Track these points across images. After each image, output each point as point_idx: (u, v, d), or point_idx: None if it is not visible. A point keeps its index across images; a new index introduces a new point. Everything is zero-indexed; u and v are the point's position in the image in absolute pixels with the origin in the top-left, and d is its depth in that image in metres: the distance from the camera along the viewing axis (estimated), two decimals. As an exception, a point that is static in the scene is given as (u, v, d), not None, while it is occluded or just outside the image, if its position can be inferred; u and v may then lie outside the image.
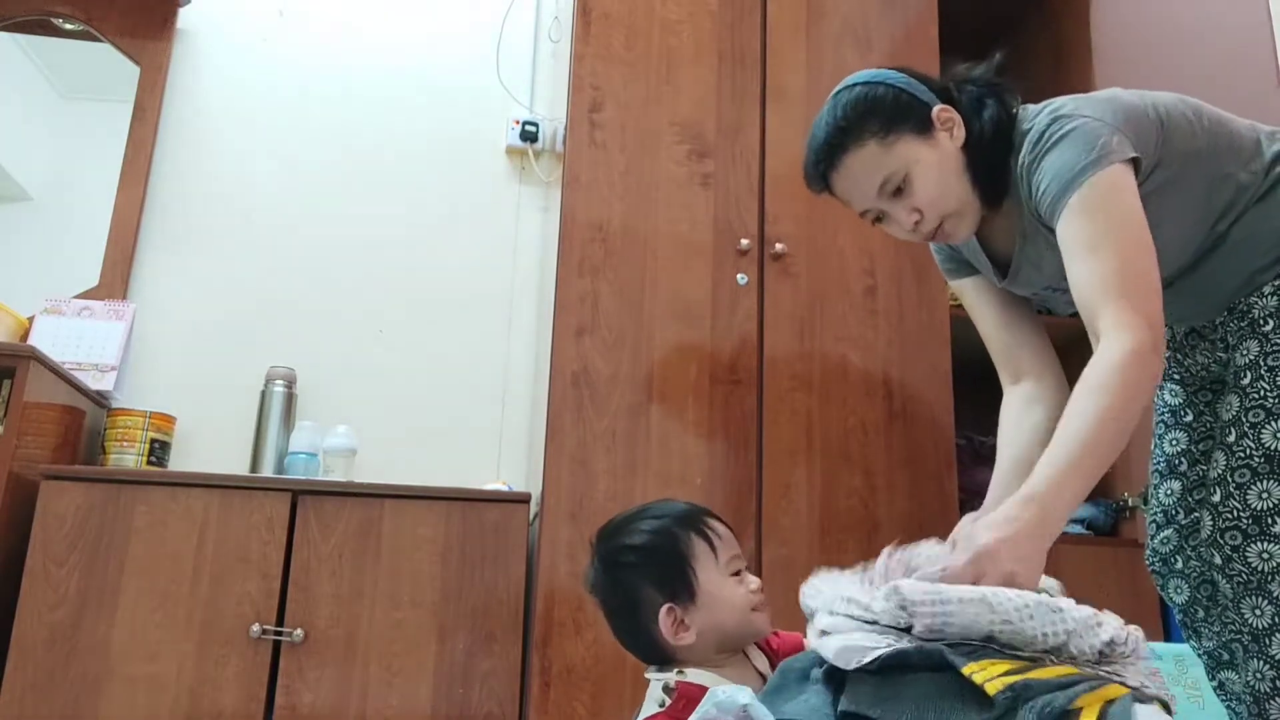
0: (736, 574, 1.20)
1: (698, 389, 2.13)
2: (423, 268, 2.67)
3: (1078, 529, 2.39)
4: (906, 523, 2.10)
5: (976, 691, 0.85)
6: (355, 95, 2.77)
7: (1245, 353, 1.32)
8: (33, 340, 2.30)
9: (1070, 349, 1.52)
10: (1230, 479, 1.29)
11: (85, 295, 2.46)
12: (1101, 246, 1.20)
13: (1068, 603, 0.94)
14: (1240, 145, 1.34)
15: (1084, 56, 2.62)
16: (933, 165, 1.32)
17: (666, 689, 1.15)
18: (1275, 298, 1.31)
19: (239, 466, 2.38)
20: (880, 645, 0.91)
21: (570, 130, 2.24)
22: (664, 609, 1.16)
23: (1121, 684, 0.86)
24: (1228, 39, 2.11)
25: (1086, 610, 0.93)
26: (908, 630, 0.93)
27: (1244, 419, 1.29)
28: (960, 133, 1.34)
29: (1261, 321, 1.31)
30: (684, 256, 2.20)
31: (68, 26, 2.69)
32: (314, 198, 2.68)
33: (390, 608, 1.98)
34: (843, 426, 2.18)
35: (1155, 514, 1.53)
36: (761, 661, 1.23)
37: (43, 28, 2.68)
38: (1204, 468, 1.47)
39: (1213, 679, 1.49)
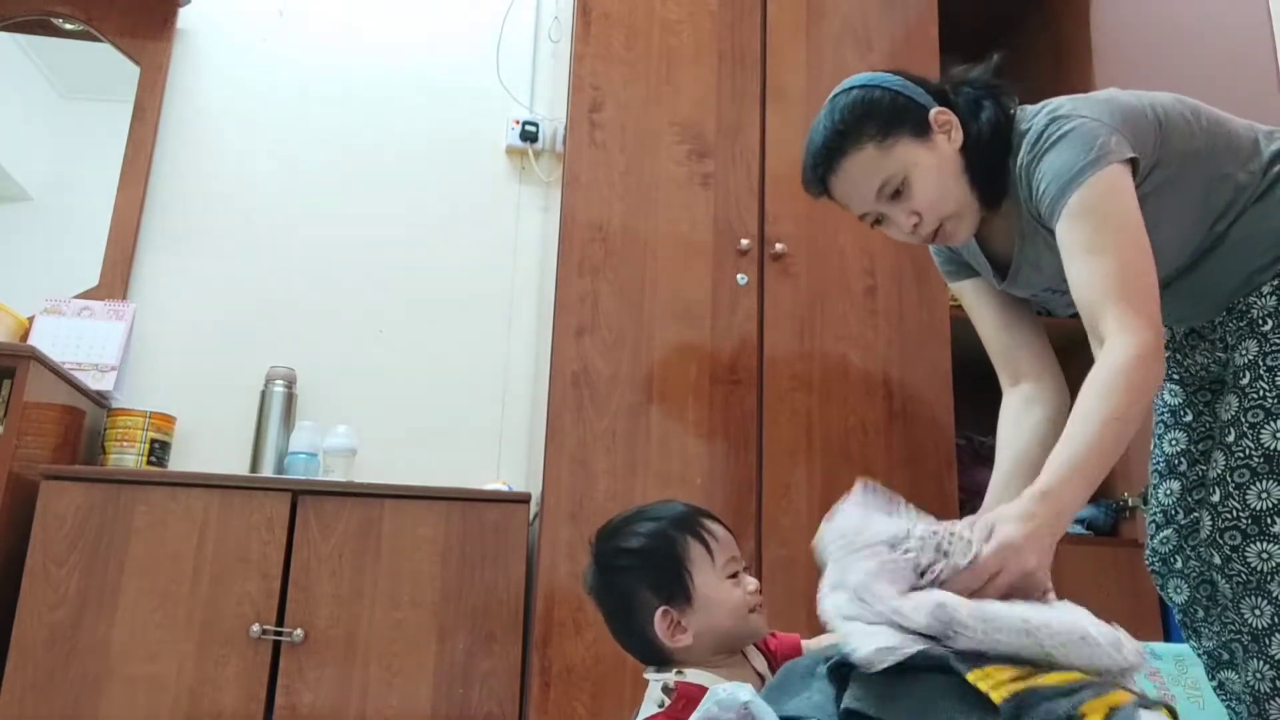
0: (734, 576, 1.20)
1: (698, 389, 2.13)
2: (423, 268, 2.67)
3: (1078, 529, 2.39)
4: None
5: (981, 696, 0.85)
6: (355, 95, 2.77)
7: (1244, 353, 1.32)
8: (33, 340, 2.30)
9: (1069, 350, 1.52)
10: (1229, 479, 1.29)
11: (85, 295, 2.46)
12: (1100, 248, 1.20)
13: (1095, 627, 0.93)
14: (1238, 145, 1.34)
15: (1084, 56, 2.61)
16: (931, 168, 1.32)
17: (665, 689, 1.15)
18: (1274, 297, 1.31)
19: (239, 466, 2.38)
20: (908, 645, 0.91)
21: (570, 130, 2.24)
22: (659, 612, 1.16)
23: (1125, 690, 0.86)
24: (1228, 39, 2.11)
25: (1110, 633, 0.93)
26: (936, 639, 0.92)
27: (1243, 419, 1.29)
28: (958, 135, 1.34)
29: (1260, 321, 1.32)
30: (684, 256, 2.20)
31: (68, 26, 2.69)
32: (314, 198, 2.68)
33: (390, 608, 1.98)
34: (843, 426, 2.18)
35: (1155, 514, 1.53)
36: (760, 662, 1.23)
37: (43, 28, 2.68)
38: (1203, 468, 1.47)
39: (1212, 679, 1.49)
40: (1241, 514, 1.27)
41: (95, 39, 2.67)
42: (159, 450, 2.30)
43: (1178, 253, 1.35)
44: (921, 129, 1.33)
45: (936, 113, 1.34)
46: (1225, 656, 1.46)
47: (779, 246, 2.23)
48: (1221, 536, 1.28)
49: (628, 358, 2.12)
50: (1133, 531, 2.38)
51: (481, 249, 2.71)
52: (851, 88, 1.36)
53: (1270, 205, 1.33)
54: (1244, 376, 1.31)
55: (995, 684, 0.84)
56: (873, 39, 2.42)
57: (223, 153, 2.67)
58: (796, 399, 2.17)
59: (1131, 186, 1.23)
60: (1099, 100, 1.30)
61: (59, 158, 2.68)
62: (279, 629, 1.93)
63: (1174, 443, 1.52)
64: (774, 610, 1.26)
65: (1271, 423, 1.26)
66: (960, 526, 1.05)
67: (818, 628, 1.03)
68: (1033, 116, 1.33)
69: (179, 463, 2.37)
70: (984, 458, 2.24)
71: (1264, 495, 1.25)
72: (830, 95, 1.38)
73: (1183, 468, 1.50)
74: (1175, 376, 1.52)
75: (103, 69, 2.68)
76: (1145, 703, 0.82)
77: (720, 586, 1.18)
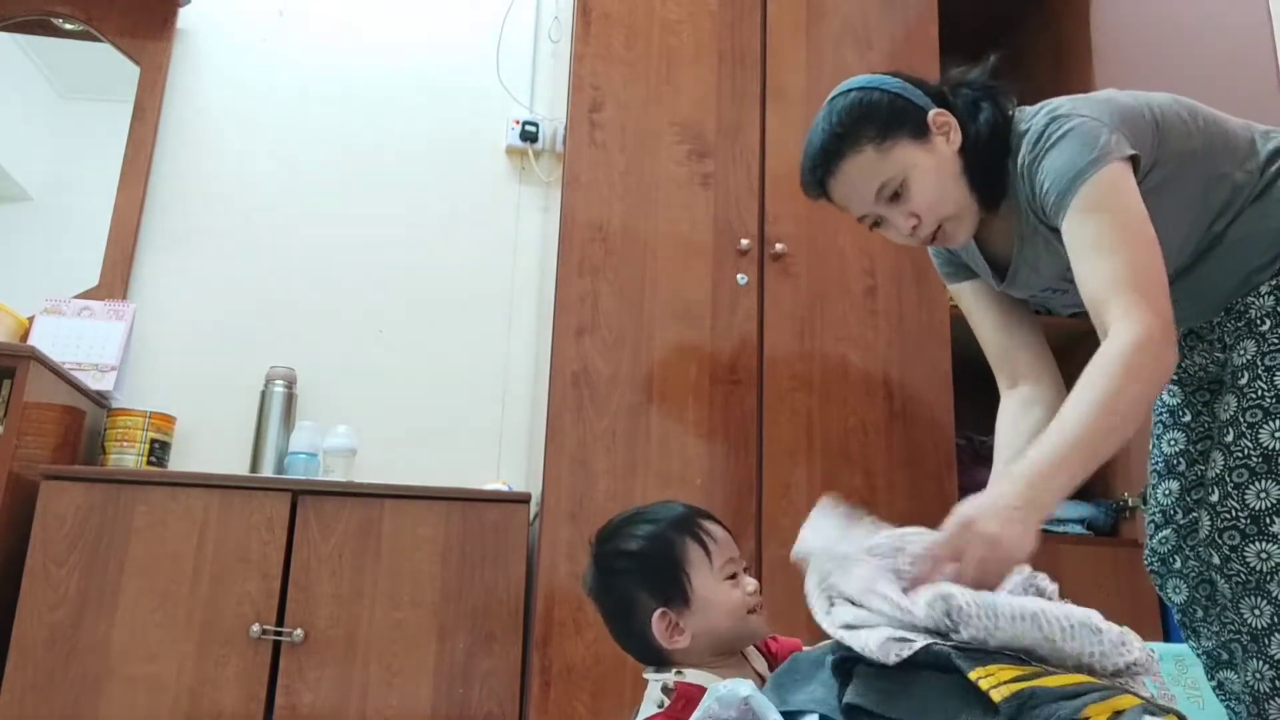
0: (732, 577, 1.19)
1: (698, 389, 2.13)
2: (423, 268, 2.67)
3: (1078, 529, 2.39)
4: (906, 523, 2.08)
5: (982, 697, 0.84)
6: (355, 95, 2.77)
7: (1242, 353, 1.32)
8: (33, 340, 2.30)
9: (1068, 350, 1.52)
10: (1228, 479, 1.29)
11: (85, 295, 2.46)
12: (1107, 245, 1.20)
13: (1104, 622, 0.94)
14: (1235, 145, 1.34)
15: (1084, 57, 2.61)
16: (930, 170, 1.33)
17: (665, 689, 1.15)
18: (1272, 298, 1.31)
19: (239, 466, 2.39)
20: (916, 640, 0.91)
21: (570, 130, 2.24)
22: (657, 613, 1.16)
23: (1132, 694, 0.86)
24: (1228, 39, 2.11)
25: (1116, 630, 0.94)
26: (943, 635, 0.93)
27: (1241, 419, 1.29)
28: (956, 136, 1.35)
29: (1258, 321, 1.32)
30: (684, 256, 2.20)
31: (68, 26, 2.69)
32: (314, 198, 2.68)
33: (390, 608, 1.98)
34: (843, 426, 2.18)
35: (1154, 514, 1.53)
36: (760, 663, 1.23)
37: (43, 28, 2.68)
38: (1202, 468, 1.47)
39: (1211, 679, 1.49)
40: (1240, 514, 1.27)
41: (95, 39, 2.67)
42: (159, 450, 2.30)
43: (1176, 253, 1.35)
44: (920, 131, 1.33)
45: (935, 114, 1.34)
46: (1224, 656, 1.46)
47: (779, 246, 2.23)
48: (1220, 536, 1.28)
49: (628, 358, 2.12)
50: (1133, 531, 2.38)
51: (481, 249, 2.71)
52: (849, 90, 1.36)
53: (1268, 204, 1.33)
54: (1242, 376, 1.31)
55: (997, 683, 0.84)
56: (873, 39, 2.42)
57: (223, 153, 2.68)
58: (796, 399, 2.17)
59: (1134, 183, 1.23)
60: (1098, 100, 1.30)
61: (59, 158, 2.68)
62: (279, 629, 1.93)
63: (1173, 443, 1.52)
64: (774, 610, 1.26)
65: (1270, 422, 1.27)
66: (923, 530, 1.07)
67: (817, 629, 1.03)
68: (1032, 117, 1.33)
69: (179, 463, 2.37)
70: (984, 458, 2.24)
71: (1263, 495, 1.26)
72: (828, 98, 1.38)
73: (1181, 468, 1.50)
74: (1174, 377, 1.52)
75: (103, 69, 2.68)
76: (1152, 708, 0.81)
77: (718, 588, 1.18)
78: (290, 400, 2.44)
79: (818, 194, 1.39)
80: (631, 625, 1.19)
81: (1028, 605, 0.93)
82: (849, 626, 0.97)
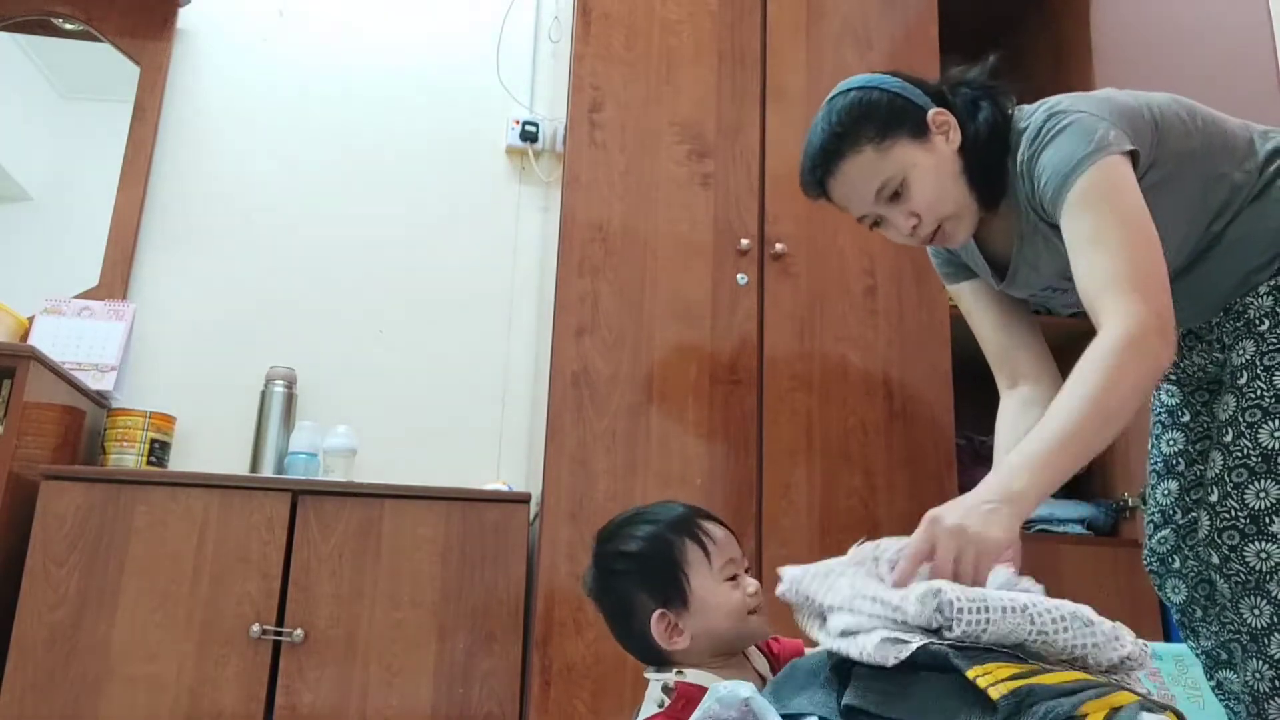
0: (733, 578, 1.19)
1: (698, 389, 2.13)
2: (423, 268, 2.67)
3: (1078, 529, 2.39)
4: (906, 523, 2.07)
5: (981, 695, 0.85)
6: (355, 95, 2.77)
7: (1241, 353, 1.32)
8: (33, 340, 2.30)
9: (1068, 350, 1.52)
10: (1228, 479, 1.29)
11: (85, 295, 2.46)
12: (1104, 239, 1.20)
13: (1096, 616, 0.94)
14: (1234, 145, 1.34)
15: (1084, 56, 2.62)
16: (929, 169, 1.33)
17: (666, 689, 1.15)
18: (1270, 298, 1.31)
19: (239, 466, 2.39)
20: (913, 641, 0.92)
21: (570, 130, 2.24)
22: (656, 614, 1.16)
23: (1130, 691, 0.86)
24: (1228, 39, 2.11)
25: (1108, 623, 0.94)
26: (936, 632, 0.93)
27: (1241, 419, 1.29)
28: (956, 135, 1.34)
29: (1257, 322, 1.32)
30: (684, 256, 2.20)
31: (68, 26, 2.69)
32: (314, 198, 2.68)
33: (390, 608, 1.98)
34: (843, 426, 2.18)
35: (1153, 514, 1.53)
36: (762, 663, 1.23)
37: (43, 28, 2.68)
38: (1201, 468, 1.47)
39: (1210, 678, 1.49)
40: (1240, 513, 1.27)
41: (95, 39, 2.67)
42: (159, 450, 2.30)
43: (1175, 253, 1.35)
44: (920, 130, 1.33)
45: (934, 114, 1.34)
46: (1223, 656, 1.46)
47: (779, 246, 2.23)
48: (1220, 536, 1.28)
49: (628, 358, 2.12)
50: (1133, 531, 2.38)
51: (481, 249, 2.71)
52: (849, 89, 1.36)
53: (1267, 204, 1.33)
54: (1241, 376, 1.31)
55: (994, 681, 0.84)
56: (873, 38, 2.43)
57: (223, 153, 2.68)
58: (796, 399, 2.17)
59: (1133, 177, 1.23)
60: (1097, 98, 1.31)
61: (59, 158, 2.68)
62: (279, 629, 1.93)
63: (1171, 443, 1.52)
64: (775, 611, 1.26)
65: (1269, 422, 1.27)
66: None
67: (817, 629, 1.04)
68: (1030, 114, 1.33)
69: (179, 463, 2.37)
70: (984, 457, 2.24)
71: (1262, 495, 1.26)
72: (828, 97, 1.38)
73: (1180, 468, 1.50)
74: (1172, 377, 1.52)
75: (103, 69, 2.68)
76: (1150, 705, 0.81)
77: (718, 589, 1.17)
78: (290, 400, 2.44)
79: (817, 194, 1.39)
80: (631, 626, 1.19)
81: (1018, 598, 0.94)
82: (845, 634, 0.97)
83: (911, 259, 2.29)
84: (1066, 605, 0.94)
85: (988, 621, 0.91)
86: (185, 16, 2.73)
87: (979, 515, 1.04)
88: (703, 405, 2.12)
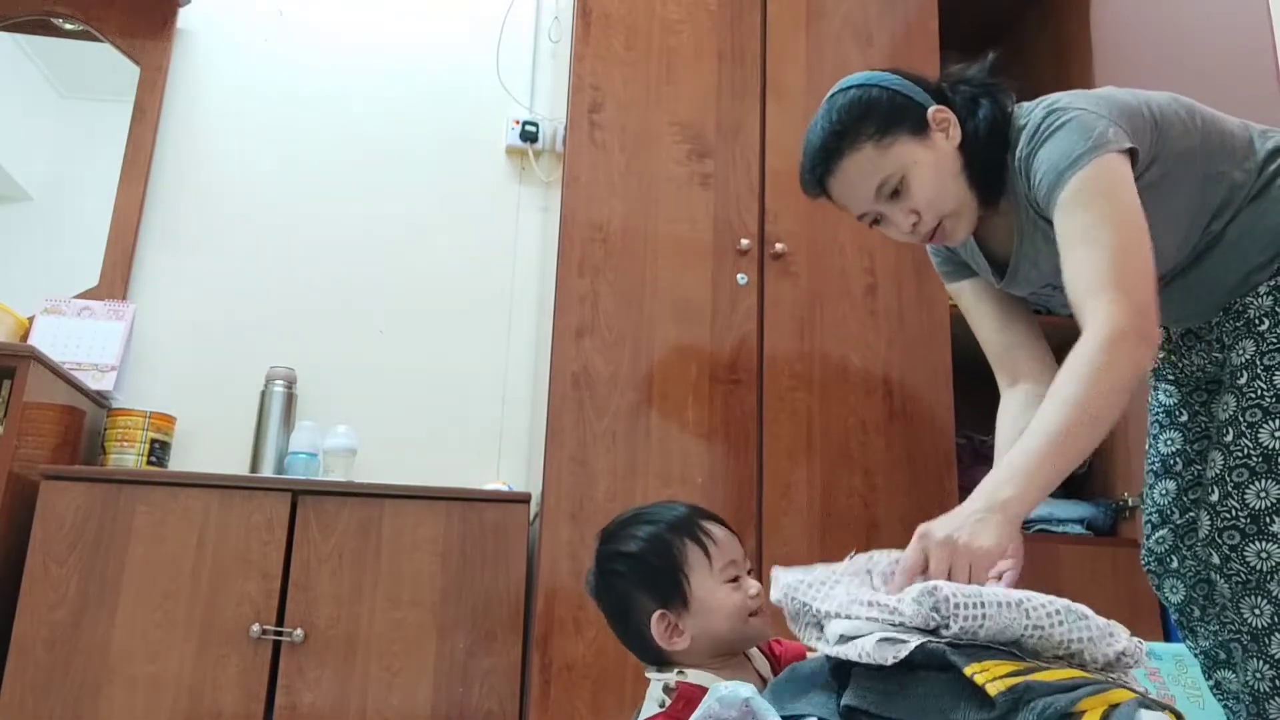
0: (734, 579, 1.18)
1: (698, 389, 2.13)
2: (423, 267, 2.67)
3: (1077, 529, 2.39)
4: (906, 522, 2.08)
5: (978, 692, 0.85)
6: (355, 95, 2.77)
7: (1241, 353, 1.32)
8: (33, 340, 2.30)
9: (1068, 350, 1.52)
10: (1228, 479, 1.29)
11: (85, 295, 2.46)
12: (1094, 238, 1.20)
13: (1090, 611, 0.95)
14: (1234, 144, 1.34)
15: (1084, 55, 2.62)
16: (929, 166, 1.33)
17: (666, 689, 1.15)
18: (1270, 298, 1.31)
19: (239, 466, 2.39)
20: (911, 640, 0.92)
21: (570, 130, 2.24)
22: (656, 615, 1.16)
23: (1127, 688, 0.86)
24: (1228, 39, 2.11)
25: (1103, 619, 0.94)
26: (934, 632, 0.93)
27: (1241, 419, 1.29)
28: (956, 133, 1.34)
29: (1257, 321, 1.32)
30: (684, 256, 2.20)
31: (68, 26, 2.69)
32: (314, 197, 2.68)
33: (390, 608, 1.98)
34: (843, 426, 2.18)
35: (1150, 514, 1.53)
36: (763, 665, 1.23)
37: (43, 28, 2.68)
38: (1199, 467, 1.47)
39: (1209, 678, 1.49)
40: (1240, 513, 1.27)
41: (95, 39, 2.67)
42: (159, 450, 2.30)
43: (1175, 252, 1.35)
44: (920, 127, 1.33)
45: (934, 111, 1.34)
46: (1222, 656, 1.46)
47: (779, 246, 2.23)
48: (1220, 536, 1.28)
49: (628, 358, 2.12)
50: (1132, 531, 2.38)
51: (481, 249, 2.71)
52: (848, 87, 1.36)
53: (1267, 203, 1.33)
54: (1241, 376, 1.31)
55: (992, 677, 0.84)
56: (873, 36, 2.42)
57: (223, 153, 2.68)
58: (796, 399, 2.17)
59: (1130, 175, 1.23)
60: (1096, 95, 1.31)
61: (59, 158, 2.68)
62: (279, 629, 1.93)
63: (1169, 443, 1.52)
64: (776, 612, 1.26)
65: (1269, 422, 1.27)
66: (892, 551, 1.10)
67: (817, 627, 1.04)
68: (1030, 111, 1.33)
69: (179, 463, 2.37)
70: (984, 457, 2.24)
71: (1263, 494, 1.26)
72: (827, 95, 1.38)
73: (1178, 467, 1.50)
74: (1170, 377, 1.52)
75: (103, 69, 2.68)
76: (1147, 702, 0.82)
77: (718, 591, 1.17)
78: (290, 400, 2.44)
79: (817, 193, 1.39)
80: (631, 626, 1.19)
81: (1012, 593, 0.94)
82: (843, 638, 0.97)
83: (912, 258, 2.29)
84: (1059, 600, 0.94)
85: (984, 616, 0.91)
86: (185, 16, 2.73)
87: (969, 526, 1.06)
88: (703, 405, 2.12)
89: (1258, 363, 1.30)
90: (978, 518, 1.07)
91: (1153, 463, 1.55)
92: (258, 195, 2.65)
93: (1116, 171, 1.22)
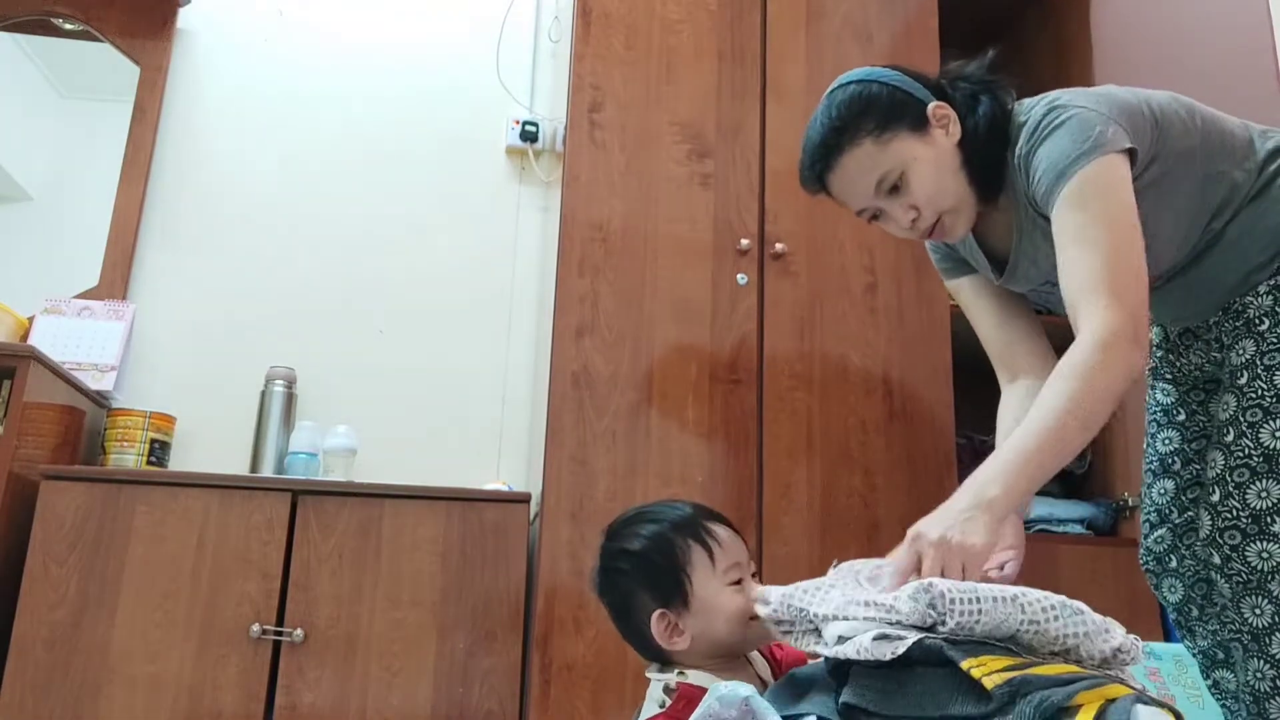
0: (737, 582, 1.17)
1: (698, 388, 2.13)
2: (423, 267, 2.67)
3: (1078, 529, 2.39)
4: (906, 522, 2.06)
5: (976, 686, 0.85)
6: (355, 95, 2.77)
7: (1241, 353, 1.32)
8: (33, 340, 2.30)
9: (1068, 348, 1.52)
10: (1229, 479, 1.29)
11: (85, 295, 2.46)
12: (1088, 240, 1.20)
13: (1085, 607, 0.95)
14: (1234, 144, 1.34)
15: (1084, 55, 2.62)
16: (929, 162, 1.33)
17: (667, 690, 1.15)
18: (1270, 297, 1.31)
19: (239, 466, 2.39)
20: (909, 636, 0.92)
21: (570, 130, 2.24)
22: (656, 614, 1.15)
23: (1124, 684, 0.86)
24: (1228, 39, 2.11)
25: (1098, 615, 0.94)
26: (930, 628, 0.93)
27: (1241, 419, 1.29)
28: (955, 129, 1.35)
29: (1257, 321, 1.32)
30: (684, 256, 2.20)
31: (68, 26, 2.69)
32: (314, 197, 2.68)
33: (390, 608, 1.98)
34: (843, 426, 2.18)
35: (1149, 513, 1.53)
36: (764, 669, 1.22)
37: (43, 28, 2.68)
38: (1198, 466, 1.47)
39: (1207, 678, 1.49)
40: (1241, 513, 1.27)
41: (95, 39, 2.67)
42: (159, 450, 2.30)
43: (1175, 250, 1.35)
44: (919, 123, 1.33)
45: (934, 107, 1.34)
46: (1220, 656, 1.46)
47: (779, 246, 2.23)
48: (1221, 536, 1.28)
49: (628, 358, 2.12)
50: (1132, 531, 2.38)
51: (481, 249, 2.71)
52: (848, 83, 1.36)
53: (1266, 203, 1.33)
54: (1241, 376, 1.31)
55: (989, 671, 0.85)
56: (873, 35, 2.42)
57: (223, 153, 2.68)
58: (796, 398, 2.17)
59: (1128, 176, 1.23)
60: (1097, 93, 1.31)
61: (59, 158, 2.68)
62: (279, 629, 1.93)
63: (1167, 442, 1.52)
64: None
65: (1270, 422, 1.27)
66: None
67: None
68: (1030, 108, 1.33)
69: (179, 463, 2.37)
70: (984, 457, 2.23)
71: (1264, 494, 1.26)
72: (827, 91, 1.38)
73: (1177, 467, 1.50)
74: (1168, 376, 1.52)
75: (103, 69, 2.68)
76: (1144, 698, 0.82)
77: (720, 593, 1.16)
78: (290, 400, 2.44)
79: (816, 188, 1.39)
80: (632, 624, 1.19)
81: (1008, 589, 0.95)
82: (841, 639, 0.97)
83: (912, 257, 2.28)
84: (1055, 596, 0.95)
85: (980, 612, 0.91)
86: (185, 16, 2.73)
87: (959, 525, 1.07)
88: (703, 405, 2.12)
89: (1258, 363, 1.30)
90: (966, 516, 1.08)
91: (1151, 462, 1.55)
92: (258, 195, 2.65)
93: (1115, 172, 1.22)
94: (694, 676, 1.15)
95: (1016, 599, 0.93)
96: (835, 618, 1.00)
